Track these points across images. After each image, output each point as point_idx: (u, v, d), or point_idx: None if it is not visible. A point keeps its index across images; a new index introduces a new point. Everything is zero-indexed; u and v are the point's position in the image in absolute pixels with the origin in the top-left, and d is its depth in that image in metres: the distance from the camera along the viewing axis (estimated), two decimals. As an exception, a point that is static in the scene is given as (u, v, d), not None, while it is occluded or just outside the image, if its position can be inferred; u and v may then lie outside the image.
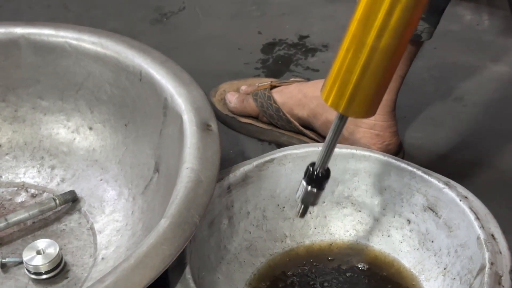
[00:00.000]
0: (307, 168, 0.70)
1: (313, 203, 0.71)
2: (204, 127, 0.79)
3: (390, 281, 0.80)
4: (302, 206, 0.72)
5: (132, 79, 0.89)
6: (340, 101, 0.63)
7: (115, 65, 0.90)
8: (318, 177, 0.69)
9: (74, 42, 0.91)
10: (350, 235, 0.85)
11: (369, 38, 0.60)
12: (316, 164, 0.69)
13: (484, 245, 0.72)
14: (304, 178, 0.70)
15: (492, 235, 0.73)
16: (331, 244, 0.85)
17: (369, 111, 0.64)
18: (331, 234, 0.85)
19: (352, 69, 0.61)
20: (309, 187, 0.70)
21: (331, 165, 0.84)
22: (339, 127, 0.66)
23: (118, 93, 0.91)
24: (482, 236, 0.73)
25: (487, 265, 0.71)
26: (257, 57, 1.20)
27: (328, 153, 0.68)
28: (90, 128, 0.94)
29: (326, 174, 0.70)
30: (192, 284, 0.70)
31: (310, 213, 0.85)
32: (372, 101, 0.63)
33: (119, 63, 0.89)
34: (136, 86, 0.89)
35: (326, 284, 0.80)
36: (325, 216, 0.86)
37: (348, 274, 0.81)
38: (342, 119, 0.65)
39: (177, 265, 0.72)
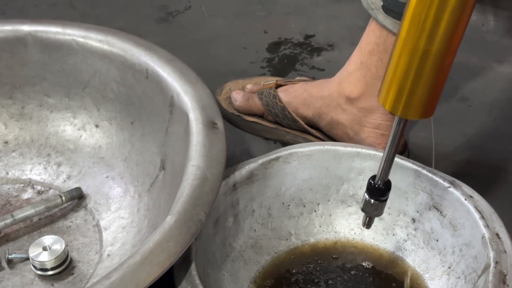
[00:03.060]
0: (368, 182, 0.73)
1: (377, 214, 0.75)
2: (210, 125, 0.80)
3: (395, 279, 0.80)
4: (367, 218, 0.76)
5: (138, 77, 0.89)
6: (397, 104, 0.65)
7: (122, 63, 0.90)
8: (379, 190, 0.73)
9: (81, 40, 0.92)
10: (355, 233, 0.85)
11: (421, 42, 0.62)
12: (376, 177, 0.72)
13: (489, 244, 0.73)
14: (366, 191, 0.73)
15: (497, 234, 0.74)
16: (336, 243, 0.85)
17: (427, 112, 0.66)
18: (336, 232, 0.85)
19: (407, 74, 0.64)
20: (372, 200, 0.73)
21: (336, 163, 0.85)
22: (398, 131, 0.68)
23: (125, 91, 0.91)
24: (487, 235, 0.73)
25: (492, 264, 0.71)
26: (263, 56, 1.20)
27: (387, 164, 0.71)
28: (97, 126, 0.94)
29: (386, 186, 0.73)
30: (197, 281, 0.71)
31: (315, 211, 0.86)
32: (428, 103, 0.65)
33: (126, 61, 0.90)
34: (142, 84, 0.89)
35: (330, 282, 0.80)
36: (330, 215, 0.86)
37: (352, 272, 0.81)
38: (401, 123, 0.68)
39: (183, 262, 0.72)
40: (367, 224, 0.76)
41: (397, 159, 0.82)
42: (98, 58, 0.91)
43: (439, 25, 0.61)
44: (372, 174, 0.84)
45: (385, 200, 0.74)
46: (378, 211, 0.74)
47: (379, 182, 0.72)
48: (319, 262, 0.82)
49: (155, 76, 0.87)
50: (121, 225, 0.86)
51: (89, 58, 0.92)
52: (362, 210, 0.75)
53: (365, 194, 0.73)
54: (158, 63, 0.87)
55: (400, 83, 0.64)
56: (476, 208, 0.76)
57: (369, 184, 0.73)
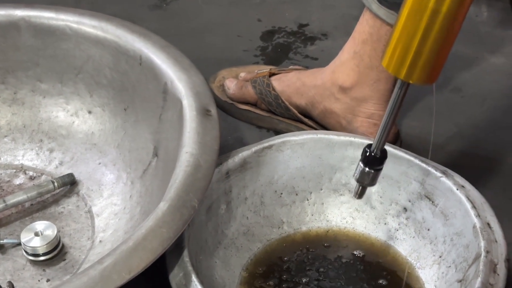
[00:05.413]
0: (364, 150, 0.71)
1: (371, 184, 0.72)
2: (203, 112, 0.80)
3: (386, 268, 0.81)
4: (360, 187, 0.73)
5: (132, 63, 0.89)
6: (401, 67, 0.63)
7: (115, 49, 0.90)
8: (375, 159, 0.71)
9: (75, 25, 0.91)
10: (346, 222, 0.86)
11: (430, 1, 0.60)
12: (372, 146, 0.70)
13: (480, 234, 0.73)
14: (361, 159, 0.71)
15: (488, 224, 0.74)
16: (327, 231, 0.85)
17: (431, 77, 0.63)
18: (328, 221, 0.86)
19: (414, 34, 0.61)
20: (366, 168, 0.71)
21: (329, 152, 0.85)
22: (400, 96, 0.66)
23: (118, 77, 0.91)
24: (478, 225, 0.74)
25: (483, 254, 0.71)
26: (256, 44, 1.20)
27: (385, 133, 0.69)
28: (89, 112, 0.94)
29: (382, 155, 0.71)
30: (189, 267, 0.71)
31: (308, 200, 0.86)
32: (434, 66, 0.63)
33: (119, 47, 0.90)
34: (136, 70, 0.89)
35: (322, 270, 0.80)
36: (322, 203, 0.86)
37: (344, 261, 0.81)
38: (403, 87, 0.65)
39: (175, 249, 0.72)
40: (359, 194, 0.74)
41: (390, 148, 0.82)
42: (91, 44, 0.91)
43: None
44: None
45: (381, 169, 0.72)
46: (373, 181, 0.72)
47: (375, 151, 0.70)
48: (310, 250, 0.83)
49: (148, 62, 0.87)
50: (113, 211, 0.86)
51: (82, 44, 0.92)
52: (357, 180, 0.72)
53: (360, 163, 0.71)
54: (152, 50, 0.87)
55: (406, 44, 0.62)
56: (467, 197, 0.77)
57: (364, 153, 0.71)
